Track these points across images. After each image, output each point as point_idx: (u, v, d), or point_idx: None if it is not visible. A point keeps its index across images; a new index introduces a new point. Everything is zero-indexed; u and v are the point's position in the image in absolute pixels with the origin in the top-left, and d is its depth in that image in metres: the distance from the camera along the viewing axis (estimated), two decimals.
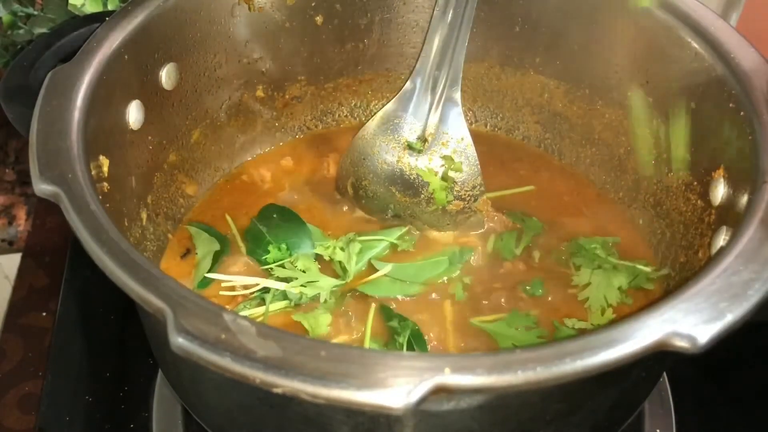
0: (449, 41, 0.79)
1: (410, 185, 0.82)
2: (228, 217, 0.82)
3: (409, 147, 0.82)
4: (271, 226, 0.79)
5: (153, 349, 0.69)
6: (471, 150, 0.81)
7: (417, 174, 0.82)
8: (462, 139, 0.81)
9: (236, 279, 0.74)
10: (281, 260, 0.75)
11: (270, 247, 0.76)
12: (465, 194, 0.81)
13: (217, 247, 0.78)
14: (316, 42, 0.86)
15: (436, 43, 0.80)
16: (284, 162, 0.90)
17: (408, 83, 0.83)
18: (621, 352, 0.45)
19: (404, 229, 0.80)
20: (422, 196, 0.81)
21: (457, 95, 0.80)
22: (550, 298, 0.75)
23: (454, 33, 0.79)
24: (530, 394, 0.52)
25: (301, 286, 0.73)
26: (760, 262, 0.51)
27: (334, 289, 0.74)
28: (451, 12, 0.79)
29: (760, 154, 0.59)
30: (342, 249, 0.76)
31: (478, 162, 0.80)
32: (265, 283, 0.73)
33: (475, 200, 0.81)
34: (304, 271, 0.74)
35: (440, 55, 0.80)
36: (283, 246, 0.76)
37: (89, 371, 0.81)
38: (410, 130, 0.82)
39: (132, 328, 0.81)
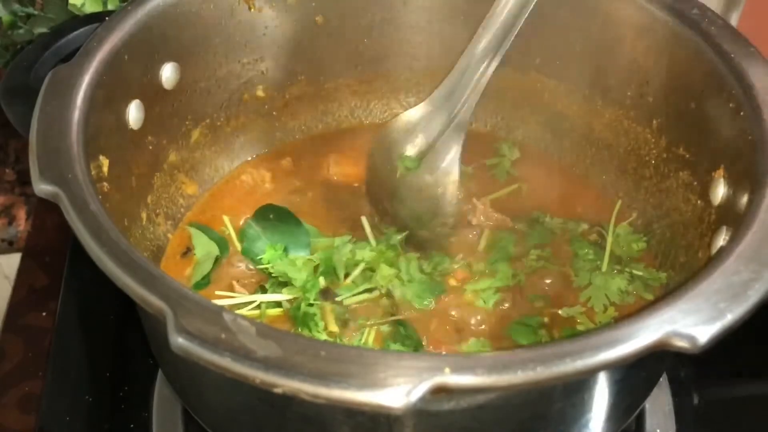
0: (476, 70, 0.78)
1: (402, 200, 0.82)
2: (225, 218, 0.82)
3: (404, 162, 0.82)
4: (267, 226, 0.79)
5: (153, 349, 0.69)
6: (453, 188, 0.80)
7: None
8: (449, 174, 0.81)
9: (234, 297, 0.74)
10: (277, 260, 0.75)
11: (266, 247, 0.76)
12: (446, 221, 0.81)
13: (216, 250, 0.78)
14: (316, 42, 0.86)
15: (463, 71, 0.79)
16: (284, 162, 0.89)
17: (426, 105, 0.81)
18: (621, 352, 0.45)
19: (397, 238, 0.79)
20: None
21: (467, 118, 0.80)
22: (551, 298, 0.75)
23: (483, 63, 0.77)
24: (530, 394, 0.52)
25: (296, 294, 0.72)
26: (760, 262, 0.51)
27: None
28: (484, 42, 0.77)
29: (760, 154, 0.59)
30: (334, 252, 0.75)
31: (455, 200, 0.80)
32: (261, 298, 0.73)
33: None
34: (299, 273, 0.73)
35: (464, 84, 0.79)
36: (279, 246, 0.76)
37: (89, 371, 0.81)
38: (412, 146, 0.82)
39: (132, 328, 0.80)
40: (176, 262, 0.79)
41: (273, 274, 0.74)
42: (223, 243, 0.79)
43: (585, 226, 0.81)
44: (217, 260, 0.77)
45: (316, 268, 0.75)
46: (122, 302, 0.79)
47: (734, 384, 0.81)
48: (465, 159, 0.82)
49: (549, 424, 0.57)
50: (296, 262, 0.74)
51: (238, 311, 0.71)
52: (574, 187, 0.86)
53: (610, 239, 0.78)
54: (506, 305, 0.74)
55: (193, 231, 0.80)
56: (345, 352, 0.45)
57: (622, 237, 0.79)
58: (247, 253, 0.78)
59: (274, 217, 0.80)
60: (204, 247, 0.78)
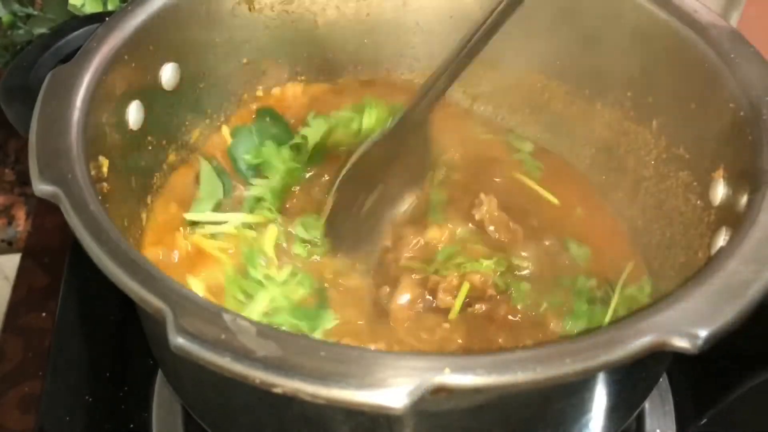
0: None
1: None
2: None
3: None
4: (261, 127, 0.82)
5: (153, 349, 0.69)
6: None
7: None
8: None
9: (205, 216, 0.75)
10: (260, 162, 0.78)
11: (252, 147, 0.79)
12: None
13: (220, 192, 0.78)
14: (316, 42, 0.86)
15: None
16: None
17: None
18: (621, 352, 0.45)
19: None
20: None
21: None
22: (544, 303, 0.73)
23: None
24: (530, 394, 0.52)
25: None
26: (760, 262, 0.51)
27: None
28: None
29: (760, 154, 0.59)
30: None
31: None
32: (231, 217, 0.74)
33: None
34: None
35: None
36: (269, 143, 0.79)
37: (89, 371, 0.81)
38: None
39: (132, 328, 0.81)
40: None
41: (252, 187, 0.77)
42: (228, 187, 0.79)
43: (593, 282, 0.73)
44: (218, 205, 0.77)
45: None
46: (122, 302, 0.79)
47: (734, 384, 0.81)
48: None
49: (549, 424, 0.57)
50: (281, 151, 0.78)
51: (215, 230, 0.73)
52: (574, 188, 0.85)
53: (614, 303, 0.71)
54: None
55: (202, 162, 0.79)
56: (345, 352, 0.45)
57: (629, 299, 0.72)
58: (234, 152, 0.80)
59: (270, 120, 0.83)
60: (209, 183, 0.78)
